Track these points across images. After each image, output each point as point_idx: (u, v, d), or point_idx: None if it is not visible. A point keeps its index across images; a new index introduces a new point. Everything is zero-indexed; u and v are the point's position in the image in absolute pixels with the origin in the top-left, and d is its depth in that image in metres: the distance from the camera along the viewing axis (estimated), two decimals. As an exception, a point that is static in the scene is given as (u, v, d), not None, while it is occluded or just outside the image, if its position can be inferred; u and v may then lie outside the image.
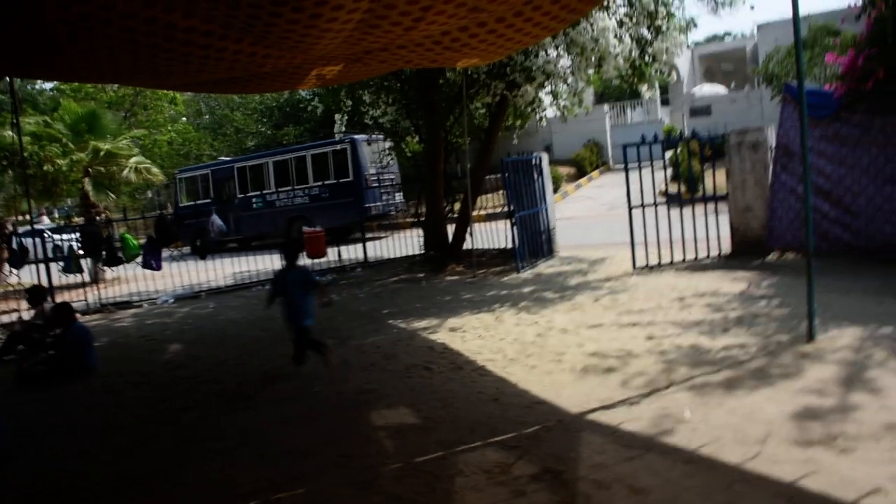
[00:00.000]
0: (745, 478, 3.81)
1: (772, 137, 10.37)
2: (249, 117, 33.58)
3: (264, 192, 23.11)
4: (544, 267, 11.63)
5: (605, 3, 10.87)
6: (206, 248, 15.33)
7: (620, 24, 11.10)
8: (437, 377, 6.28)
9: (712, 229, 10.42)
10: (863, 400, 4.69)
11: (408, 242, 14.72)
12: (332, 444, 4.96)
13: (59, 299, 9.61)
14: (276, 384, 6.64)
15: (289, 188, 22.53)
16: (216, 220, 16.11)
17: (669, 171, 21.32)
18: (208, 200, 23.75)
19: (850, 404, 4.63)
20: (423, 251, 13.60)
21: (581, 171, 28.35)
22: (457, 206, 13.78)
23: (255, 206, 23.21)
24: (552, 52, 11.24)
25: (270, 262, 14.64)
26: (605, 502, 3.74)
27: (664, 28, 11.85)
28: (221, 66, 6.22)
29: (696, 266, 10.08)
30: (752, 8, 27.07)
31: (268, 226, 22.67)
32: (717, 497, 3.64)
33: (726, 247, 10.56)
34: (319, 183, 21.83)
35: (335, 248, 14.81)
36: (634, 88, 12.77)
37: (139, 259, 12.43)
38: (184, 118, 33.45)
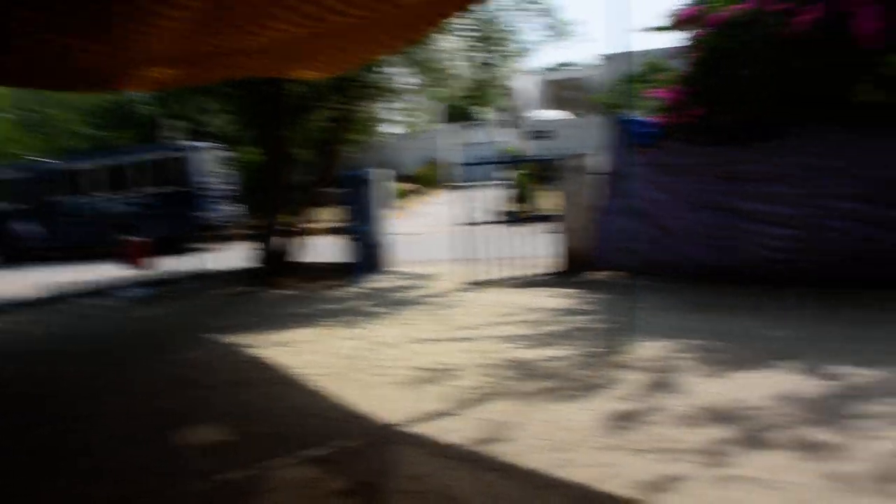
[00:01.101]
0: (555, 483, 3.90)
1: (605, 162, 10.86)
2: (74, 117, 31.41)
3: (89, 197, 21.60)
4: (379, 282, 11.56)
5: (448, 25, 11.04)
6: (11, 256, 14.10)
7: (463, 46, 11.31)
8: (258, 393, 6.03)
9: (546, 248, 10.73)
10: (662, 405, 4.96)
11: (241, 255, 14.20)
12: (136, 464, 4.63)
13: None
14: (82, 403, 6.14)
15: (115, 194, 21.19)
16: (27, 226, 14.84)
17: (509, 190, 21.92)
18: (26, 205, 21.90)
19: (650, 409, 4.89)
20: (256, 264, 13.15)
21: (422, 188, 28.67)
22: (294, 218, 13.45)
23: (78, 212, 21.65)
24: (394, 69, 11.25)
25: (89, 273, 13.71)
26: (419, 513, 3.68)
27: (505, 53, 12.23)
28: (37, 56, 5.71)
29: (528, 283, 10.34)
30: (590, 43, 28.58)
31: (91, 234, 21.18)
32: (529, 502, 3.67)
33: (558, 265, 10.91)
34: (149, 190, 20.69)
35: (163, 259, 14.06)
36: (475, 110, 13.07)
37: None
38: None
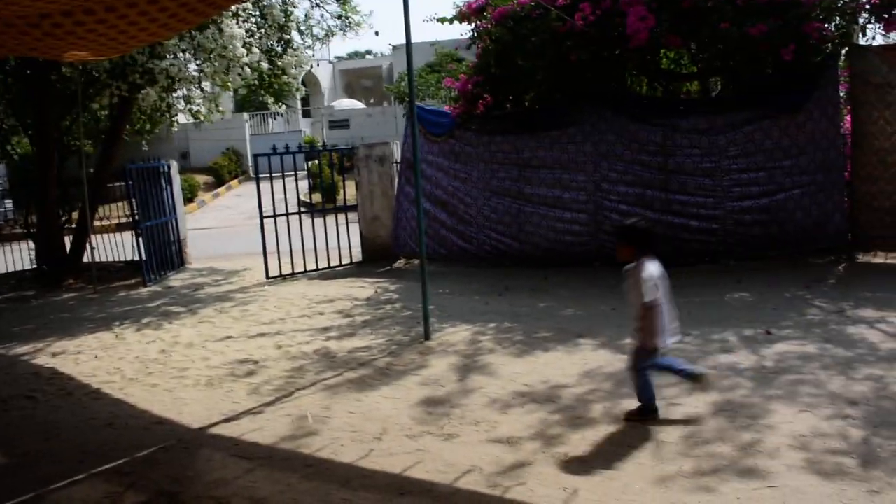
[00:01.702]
0: (360, 474, 3.95)
1: (398, 152, 11.06)
2: None
3: None
4: (174, 279, 11.07)
5: (235, 11, 10.72)
6: None
7: (250, 33, 11.02)
8: (42, 407, 5.59)
9: (344, 238, 10.78)
10: (470, 388, 5.17)
11: (17, 256, 12.98)
12: None
13: None
14: None
15: None
16: None
17: (308, 181, 21.70)
18: None
19: (457, 393, 5.08)
20: (34, 265, 12.11)
21: (219, 180, 27.64)
22: (75, 214, 12.52)
23: None
24: (180, 56, 10.75)
25: None
26: (223, 518, 3.62)
27: (294, 42, 12.06)
28: None
29: (329, 274, 10.35)
30: (377, 34, 28.79)
31: None
32: (334, 496, 3.71)
33: (357, 255, 11.00)
34: None
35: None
36: (263, 99, 12.84)
37: None
38: None
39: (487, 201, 9.90)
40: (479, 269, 9.65)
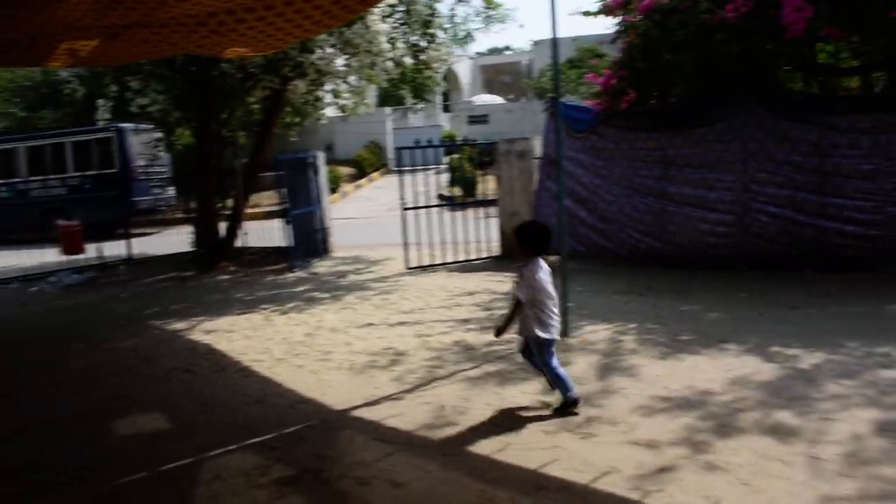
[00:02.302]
0: (497, 467, 3.97)
1: (539, 147, 11.01)
2: (1, 95, 30.21)
3: (14, 180, 20.84)
4: (318, 266, 11.52)
5: (383, 8, 11.00)
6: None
7: (395, 28, 11.28)
8: (199, 380, 5.99)
9: (483, 232, 10.86)
10: (609, 388, 5.08)
11: (177, 240, 13.93)
12: (74, 456, 4.55)
13: None
14: (19, 393, 6.01)
15: (44, 177, 20.51)
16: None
17: (447, 175, 21.99)
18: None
19: (596, 392, 4.99)
20: (193, 249, 12.94)
21: (362, 172, 28.48)
22: (230, 202, 13.27)
23: (2, 195, 20.90)
24: (328, 50, 11.16)
25: (19, 259, 13.28)
26: (364, 498, 3.74)
27: (437, 37, 12.24)
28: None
29: (467, 267, 10.45)
30: (522, 27, 28.73)
31: (18, 218, 20.46)
32: (471, 487, 3.76)
33: (496, 249, 11.05)
34: (80, 173, 20.08)
35: (97, 244, 13.68)
36: (410, 94, 13.08)
37: None
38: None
39: (629, 199, 9.68)
40: (618, 268, 9.46)
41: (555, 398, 4.79)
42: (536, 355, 4.74)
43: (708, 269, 8.80)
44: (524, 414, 4.69)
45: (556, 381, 4.66)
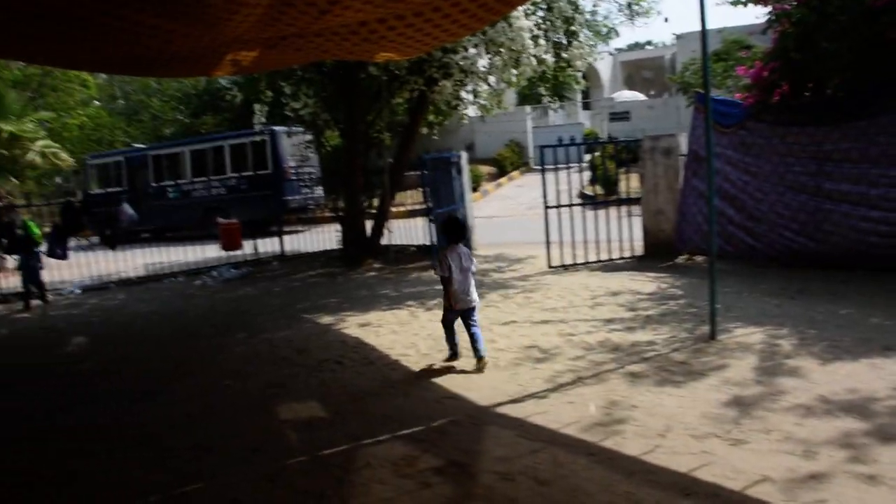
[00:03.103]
0: (644, 469, 3.92)
1: (684, 143, 10.71)
2: (166, 104, 32.64)
3: (180, 181, 22.47)
4: (461, 264, 11.69)
5: (526, 5, 11.01)
6: (116, 238, 14.81)
7: (538, 26, 11.26)
8: (349, 371, 6.25)
9: (626, 231, 10.69)
10: (760, 392, 4.89)
11: (326, 237, 14.58)
12: (238, 438, 4.88)
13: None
14: (184, 379, 6.48)
15: (206, 178, 21.99)
16: (127, 208, 15.61)
17: (588, 173, 21.73)
18: (120, 188, 22.95)
19: (744, 399, 4.81)
20: (340, 246, 13.49)
21: (502, 171, 28.63)
22: (375, 201, 13.73)
23: (169, 195, 22.56)
24: (471, 50, 11.30)
25: (184, 254, 14.28)
26: (508, 494, 3.78)
27: (580, 34, 12.12)
28: (122, 39, 6.00)
29: (610, 266, 10.32)
30: (667, 20, 27.86)
31: (183, 216, 22.06)
32: (617, 488, 3.73)
33: (639, 248, 10.85)
34: (237, 174, 21.37)
35: (251, 241, 14.55)
36: (549, 92, 13.02)
37: (44, 248, 11.92)
38: (97, 102, 32.23)
39: (780, 197, 9.23)
40: (768, 269, 9.05)
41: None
42: (464, 320, 6.08)
43: (866, 270, 8.27)
44: (673, 417, 4.59)
45: (449, 338, 6.27)
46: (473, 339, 6.00)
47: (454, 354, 6.25)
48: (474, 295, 6.09)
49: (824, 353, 5.63)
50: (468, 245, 12.50)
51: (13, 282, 13.39)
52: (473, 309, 6.07)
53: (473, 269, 6.17)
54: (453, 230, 6.26)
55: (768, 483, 3.63)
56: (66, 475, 4.52)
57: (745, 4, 9.56)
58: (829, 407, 4.55)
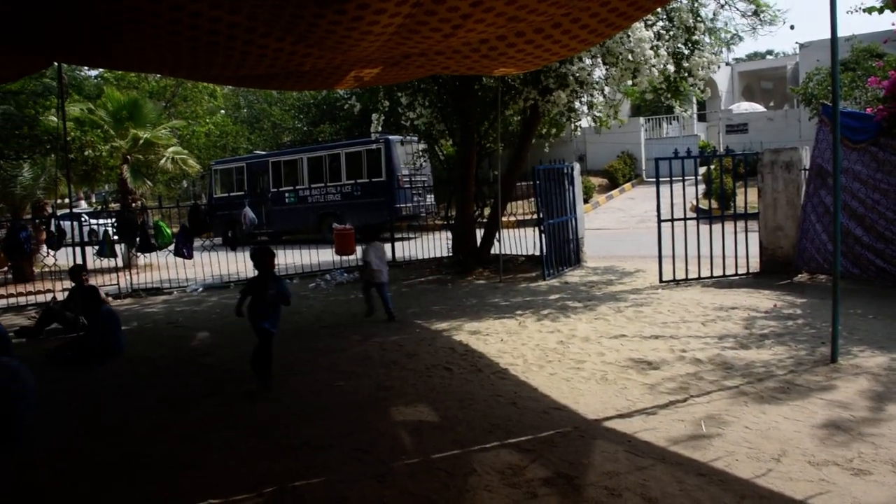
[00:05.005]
0: (757, 493, 3.82)
1: (806, 158, 10.30)
2: (286, 113, 33.97)
3: (297, 187, 23.34)
4: (570, 276, 11.65)
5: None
6: (237, 240, 15.53)
7: (658, 36, 11.08)
8: (457, 378, 6.34)
9: (741, 247, 10.37)
10: (882, 424, 4.67)
11: (436, 244, 14.81)
12: (349, 437, 5.03)
13: (91, 283, 9.82)
14: (298, 377, 6.74)
15: (322, 185, 22.74)
16: (249, 212, 16.32)
17: (702, 186, 21.13)
18: (242, 193, 24.06)
19: (868, 427, 4.61)
20: (451, 254, 13.67)
21: (613, 183, 28.25)
22: (486, 210, 13.83)
23: (287, 200, 23.46)
24: (587, 61, 11.24)
25: (300, 257, 14.79)
26: (615, 509, 3.78)
27: (701, 44, 11.84)
28: (262, 62, 6.35)
29: (723, 282, 10.04)
30: (793, 28, 26.65)
31: (299, 221, 22.90)
32: (728, 510, 3.66)
33: (754, 265, 10.50)
34: (352, 181, 22.01)
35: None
36: (668, 103, 12.77)
37: (171, 247, 12.66)
38: (222, 111, 33.85)
39: (915, 217, 8.74)
40: (893, 291, 8.59)
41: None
42: (378, 291, 9.01)
43: None
44: (788, 441, 4.45)
45: (388, 304, 9.00)
46: (385, 301, 8.97)
47: (370, 310, 9.21)
48: (385, 276, 9.01)
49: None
50: (577, 258, 12.50)
51: (143, 277, 14.28)
52: (384, 284, 8.99)
53: (384, 259, 9.13)
54: (370, 232, 9.28)
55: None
56: (186, 462, 4.79)
57: (880, 11, 9.10)
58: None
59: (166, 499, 4.27)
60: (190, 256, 12.79)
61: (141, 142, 18.41)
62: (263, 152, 27.13)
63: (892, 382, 5.42)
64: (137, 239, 12.85)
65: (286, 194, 23.54)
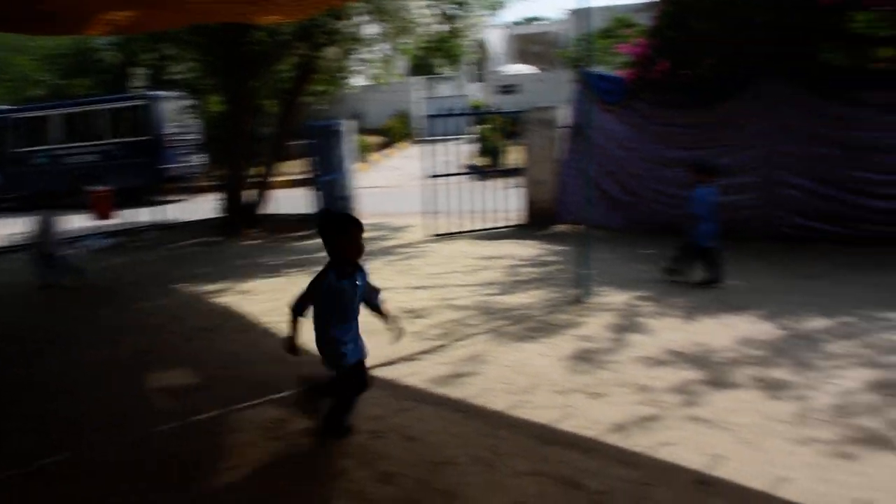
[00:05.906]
0: (510, 423, 4.08)
1: (568, 118, 10.96)
2: (36, 63, 30.60)
3: (50, 146, 21.21)
4: (343, 233, 11.58)
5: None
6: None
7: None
8: (223, 339, 6.15)
9: (509, 201, 10.88)
10: (619, 352, 5.16)
11: (207, 206, 14.12)
12: (104, 407, 4.72)
13: None
14: (55, 347, 6.22)
15: (79, 144, 20.84)
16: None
17: (476, 144, 21.91)
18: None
19: (607, 356, 5.08)
20: (223, 214, 13.11)
21: (390, 141, 28.51)
22: (258, 169, 13.39)
23: (38, 161, 21.27)
24: (360, 18, 11.15)
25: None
26: (379, 450, 3.86)
27: (469, 4, 12.16)
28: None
29: (492, 234, 10.49)
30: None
31: (53, 183, 20.81)
32: (482, 441, 3.86)
33: (521, 217, 11.06)
34: (113, 140, 20.37)
35: (128, 210, 13.95)
36: (437, 62, 13.04)
37: None
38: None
39: (654, 173, 9.62)
40: (642, 240, 9.43)
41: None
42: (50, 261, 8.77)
43: (734, 240, 8.76)
44: (539, 374, 4.77)
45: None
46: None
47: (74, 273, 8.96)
48: (56, 246, 9.06)
49: (683, 311, 6.06)
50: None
51: None
52: (53, 255, 8.88)
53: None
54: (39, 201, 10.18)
55: (622, 432, 3.86)
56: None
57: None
58: (677, 357, 4.97)
59: None
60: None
61: None
62: (6, 107, 24.35)
63: (631, 315, 6.01)
64: None
65: (36, 154, 21.33)
